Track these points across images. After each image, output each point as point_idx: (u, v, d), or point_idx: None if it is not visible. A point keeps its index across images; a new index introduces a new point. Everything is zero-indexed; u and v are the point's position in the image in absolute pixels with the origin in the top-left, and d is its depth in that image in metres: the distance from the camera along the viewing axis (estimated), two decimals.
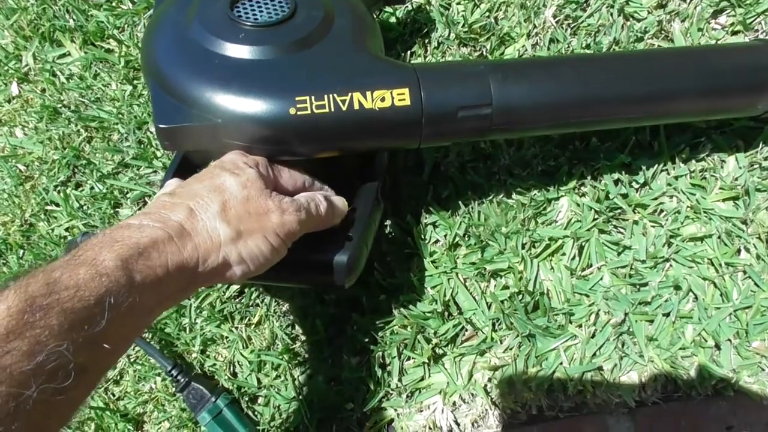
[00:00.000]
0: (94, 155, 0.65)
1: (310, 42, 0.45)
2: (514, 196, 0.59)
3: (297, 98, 0.42)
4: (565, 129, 0.53)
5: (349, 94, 0.43)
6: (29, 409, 0.27)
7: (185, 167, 0.50)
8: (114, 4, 0.69)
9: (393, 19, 0.66)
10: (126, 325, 0.34)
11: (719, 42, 0.62)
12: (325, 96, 0.42)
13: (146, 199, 0.64)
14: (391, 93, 0.44)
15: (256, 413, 0.59)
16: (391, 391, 0.57)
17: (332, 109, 0.43)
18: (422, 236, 0.58)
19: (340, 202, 0.48)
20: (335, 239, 0.47)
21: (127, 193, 0.64)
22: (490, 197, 0.59)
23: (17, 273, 0.32)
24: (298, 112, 0.42)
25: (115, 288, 0.32)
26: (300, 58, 0.44)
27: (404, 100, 0.44)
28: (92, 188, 0.65)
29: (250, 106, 0.42)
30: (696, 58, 0.52)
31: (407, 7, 0.66)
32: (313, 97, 0.42)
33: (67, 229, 0.65)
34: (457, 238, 0.58)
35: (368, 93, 0.43)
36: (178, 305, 0.60)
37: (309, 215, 0.43)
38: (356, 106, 0.43)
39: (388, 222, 0.59)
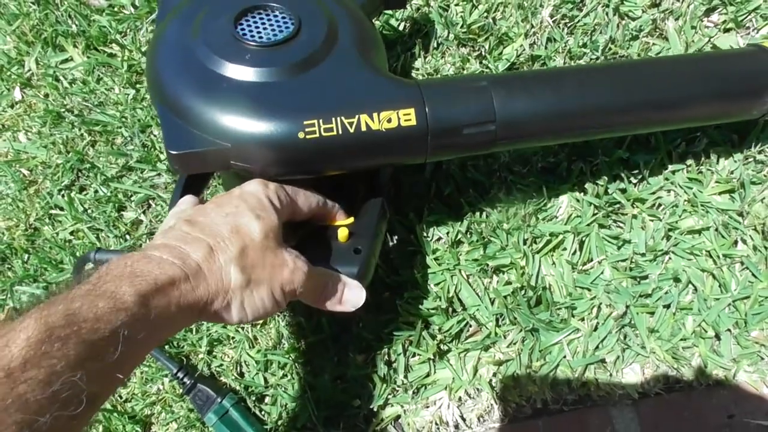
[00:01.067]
0: (98, 159, 0.66)
1: (316, 60, 0.46)
2: (514, 192, 0.60)
3: (305, 122, 0.43)
4: (568, 139, 0.54)
5: (357, 116, 0.43)
6: None
7: (193, 184, 0.50)
8: (116, 9, 0.69)
9: (393, 21, 0.67)
10: (136, 356, 0.36)
11: (712, 40, 0.63)
12: (333, 119, 0.43)
13: (150, 201, 0.65)
14: (398, 114, 0.44)
15: (263, 412, 0.59)
16: (397, 388, 0.58)
17: (340, 132, 0.43)
18: (425, 234, 0.59)
19: (356, 293, 0.47)
20: (344, 253, 0.48)
21: (132, 196, 0.65)
22: (491, 194, 0.60)
23: (39, 298, 0.33)
24: (307, 136, 0.43)
25: (131, 322, 0.33)
26: (306, 79, 0.45)
27: (410, 120, 0.45)
28: (96, 192, 0.65)
29: (260, 130, 0.42)
30: (693, 65, 0.53)
31: (407, 8, 0.67)
32: (321, 120, 0.43)
33: (72, 233, 0.65)
34: (460, 235, 0.59)
35: (375, 114, 0.44)
36: None
37: (315, 287, 0.45)
38: (363, 128, 0.44)
39: (387, 230, 0.60)
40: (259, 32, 0.46)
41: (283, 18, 0.47)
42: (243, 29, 0.46)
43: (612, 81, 0.51)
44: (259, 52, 0.45)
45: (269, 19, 0.47)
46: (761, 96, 0.52)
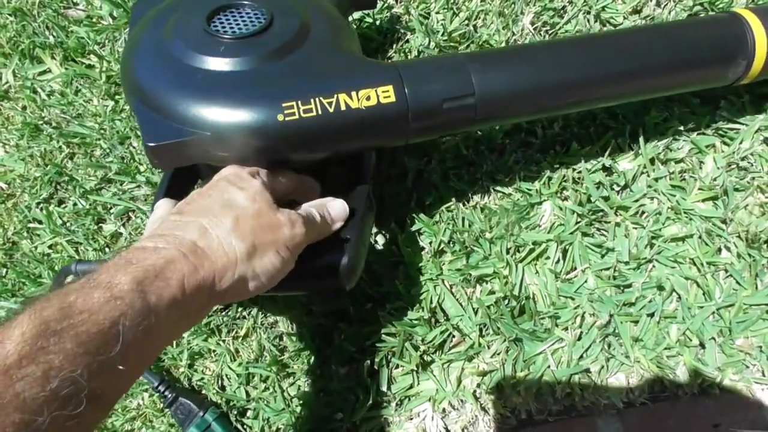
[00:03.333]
0: (77, 171, 0.65)
1: (291, 48, 0.46)
2: (497, 201, 0.59)
3: (284, 104, 0.42)
4: (548, 113, 0.55)
5: (335, 96, 0.43)
6: None
7: (175, 187, 0.50)
8: (94, 19, 0.69)
9: (373, 28, 0.66)
10: (143, 348, 0.34)
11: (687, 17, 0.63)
12: (312, 99, 0.43)
13: (130, 214, 0.64)
14: (376, 91, 0.44)
15: (245, 426, 0.58)
16: (380, 400, 0.57)
17: (320, 112, 0.43)
18: (407, 244, 0.59)
19: (340, 206, 0.48)
20: (333, 243, 0.47)
21: (111, 208, 0.64)
22: (474, 203, 0.59)
23: (32, 295, 0.32)
24: (287, 118, 0.42)
25: (130, 311, 0.32)
26: (282, 66, 0.45)
27: (389, 97, 0.45)
28: (75, 204, 0.64)
29: (238, 116, 0.42)
30: (666, 33, 0.54)
31: (387, 16, 0.66)
32: (299, 102, 0.43)
33: (50, 246, 0.64)
34: (442, 245, 0.58)
35: (353, 93, 0.44)
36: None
37: (314, 226, 0.44)
38: (343, 107, 0.44)
39: (373, 231, 0.59)
40: (231, 27, 0.46)
41: (255, 14, 0.47)
42: (216, 25, 0.46)
43: (588, 52, 0.51)
44: (234, 44, 0.45)
45: (241, 15, 0.47)
46: (734, 60, 0.53)
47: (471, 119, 0.49)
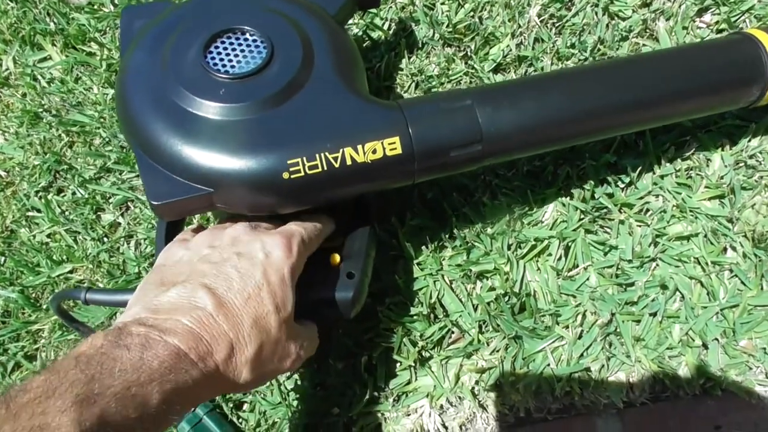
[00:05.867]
0: (76, 160, 0.65)
1: (294, 89, 0.43)
2: (499, 197, 0.58)
3: (289, 161, 0.41)
4: (556, 147, 0.53)
5: (341, 150, 0.42)
6: None
7: (175, 232, 0.49)
8: (96, 6, 0.68)
9: (377, 20, 0.65)
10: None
11: (705, 39, 0.62)
12: (317, 156, 0.41)
13: (129, 204, 0.64)
14: (382, 144, 0.43)
15: (241, 420, 0.58)
16: (377, 395, 0.56)
17: (325, 168, 0.42)
18: (407, 239, 0.58)
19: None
20: (338, 278, 0.47)
21: (110, 198, 0.64)
22: (476, 198, 0.58)
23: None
24: (292, 176, 0.41)
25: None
26: (286, 112, 0.43)
27: (395, 149, 0.43)
28: (74, 193, 0.64)
29: (243, 174, 0.41)
30: (677, 59, 0.52)
31: (392, 7, 0.65)
32: (305, 158, 0.41)
33: (48, 236, 0.64)
34: (443, 240, 0.57)
35: (359, 147, 0.42)
36: None
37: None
38: (349, 162, 0.42)
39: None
40: (230, 61, 0.44)
41: (255, 42, 0.45)
42: (213, 58, 0.44)
43: (597, 84, 0.49)
44: (234, 85, 0.43)
45: (240, 45, 0.45)
46: (748, 86, 0.51)
47: (478, 160, 0.47)
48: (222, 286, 0.39)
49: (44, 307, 0.61)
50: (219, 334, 0.37)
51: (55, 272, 0.61)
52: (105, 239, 0.62)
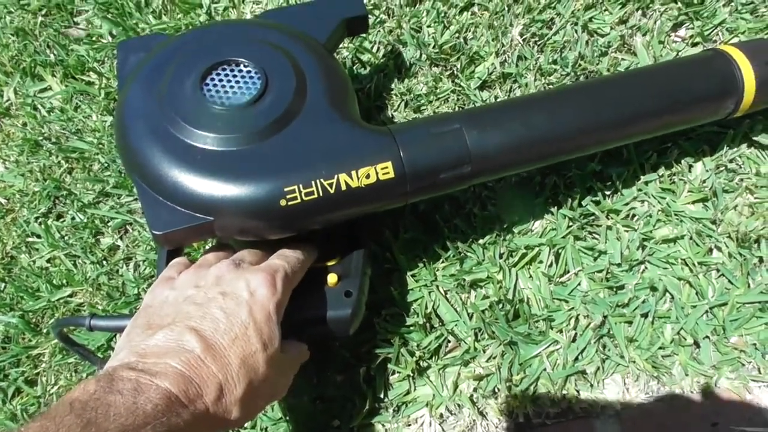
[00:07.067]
0: (75, 186, 0.66)
1: (289, 118, 0.45)
2: (489, 207, 0.60)
3: (286, 189, 0.43)
4: (543, 164, 0.54)
5: (336, 176, 0.43)
6: None
7: (174, 256, 0.51)
8: (94, 38, 0.71)
9: (366, 43, 0.68)
10: None
11: (680, 54, 0.64)
12: (313, 182, 0.43)
13: (128, 227, 0.65)
14: (375, 169, 0.44)
15: None
16: (377, 407, 0.57)
17: (320, 194, 0.43)
18: (401, 252, 0.59)
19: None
20: (336, 297, 0.48)
21: (109, 221, 0.65)
22: (466, 210, 0.60)
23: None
24: (289, 203, 0.43)
25: None
26: (282, 141, 0.44)
27: (388, 173, 0.45)
28: (73, 218, 0.65)
29: (241, 203, 0.42)
30: (656, 77, 0.54)
31: (380, 31, 0.68)
32: (301, 185, 0.43)
33: (48, 261, 0.65)
34: (436, 251, 0.59)
35: (353, 173, 0.44)
36: None
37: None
38: (343, 187, 0.44)
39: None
40: (226, 92, 0.46)
41: (249, 73, 0.47)
42: (210, 89, 0.45)
43: (579, 103, 0.51)
44: (230, 116, 0.44)
45: (235, 76, 0.47)
46: (722, 99, 0.53)
47: (468, 180, 0.49)
48: (209, 327, 0.39)
49: (44, 331, 0.62)
50: (208, 376, 0.37)
51: (55, 296, 0.62)
52: (104, 262, 0.63)
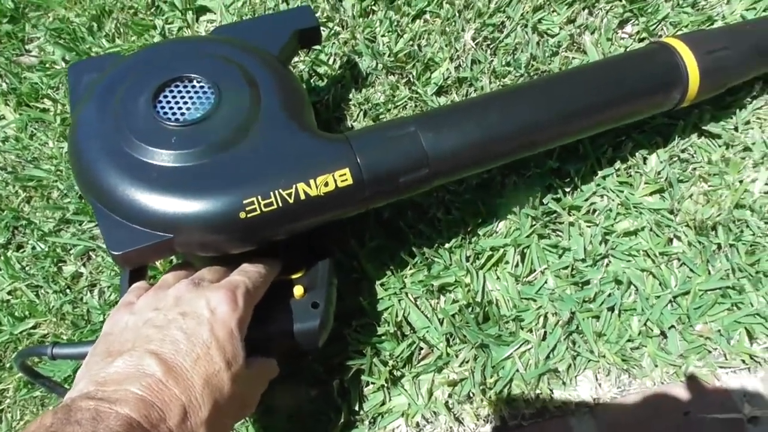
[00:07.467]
0: (34, 214, 0.65)
1: (244, 131, 0.45)
2: (452, 211, 0.60)
3: (245, 201, 0.42)
4: (502, 161, 0.55)
5: (294, 186, 0.43)
6: None
7: (138, 277, 0.50)
8: (47, 65, 0.70)
9: (322, 56, 0.68)
10: None
11: (628, 50, 0.66)
12: (271, 193, 0.43)
13: (90, 253, 0.64)
14: (333, 176, 0.44)
15: None
16: (353, 419, 0.56)
17: (280, 205, 0.43)
18: (368, 260, 0.59)
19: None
20: (303, 309, 0.48)
21: (71, 249, 0.64)
22: (430, 215, 0.60)
23: None
24: (248, 215, 0.42)
25: None
26: (238, 154, 0.44)
27: (346, 180, 0.45)
28: (34, 248, 0.64)
29: (200, 218, 0.42)
30: (604, 72, 0.55)
31: (335, 42, 0.68)
32: (259, 197, 0.42)
33: (9, 293, 0.63)
34: (403, 258, 0.59)
35: (311, 181, 0.44)
36: None
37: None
38: (302, 196, 0.44)
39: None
40: (180, 108, 0.45)
41: (202, 88, 0.47)
42: (163, 107, 0.45)
43: (532, 100, 0.52)
44: (184, 132, 0.44)
45: (188, 92, 0.46)
46: (669, 91, 0.54)
47: (427, 182, 0.49)
48: (169, 350, 0.38)
49: (8, 365, 0.60)
50: (170, 399, 0.36)
51: (18, 329, 0.60)
52: (68, 291, 0.62)
